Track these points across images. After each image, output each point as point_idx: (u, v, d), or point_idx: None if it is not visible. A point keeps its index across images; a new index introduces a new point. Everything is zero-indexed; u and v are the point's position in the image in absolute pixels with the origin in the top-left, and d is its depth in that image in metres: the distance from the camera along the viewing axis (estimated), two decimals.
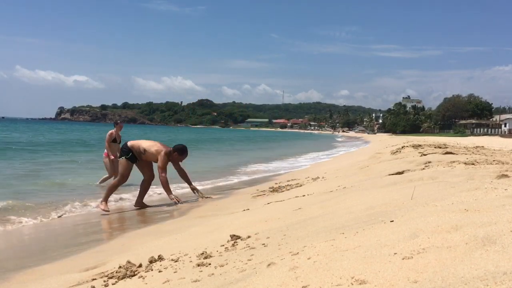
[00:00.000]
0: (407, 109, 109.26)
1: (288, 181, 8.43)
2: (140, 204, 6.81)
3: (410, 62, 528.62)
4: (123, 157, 6.83)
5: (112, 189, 6.79)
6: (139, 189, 6.95)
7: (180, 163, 7.14)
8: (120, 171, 6.92)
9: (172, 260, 2.81)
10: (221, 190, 8.43)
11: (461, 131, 72.90)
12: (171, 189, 6.95)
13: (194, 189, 7.21)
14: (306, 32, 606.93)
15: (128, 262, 2.88)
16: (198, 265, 2.49)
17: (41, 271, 3.46)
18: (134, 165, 6.92)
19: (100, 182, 9.17)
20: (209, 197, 7.12)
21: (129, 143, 6.92)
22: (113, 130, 9.47)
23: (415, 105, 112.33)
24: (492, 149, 12.85)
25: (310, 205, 4.09)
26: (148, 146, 6.89)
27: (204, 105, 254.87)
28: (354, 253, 1.90)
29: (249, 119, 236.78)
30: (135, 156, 6.85)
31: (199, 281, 2.20)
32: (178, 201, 6.72)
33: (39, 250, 4.36)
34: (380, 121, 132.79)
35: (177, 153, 6.98)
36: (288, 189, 6.88)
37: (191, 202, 6.89)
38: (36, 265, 3.70)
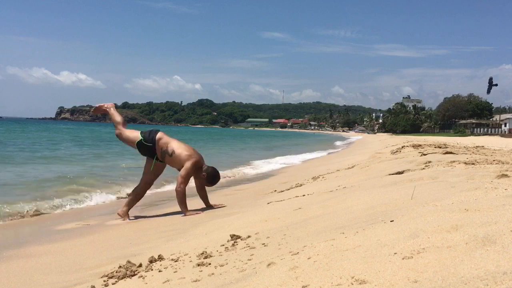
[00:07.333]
0: (408, 108, 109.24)
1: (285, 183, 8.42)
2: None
3: (412, 61, 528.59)
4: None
5: None
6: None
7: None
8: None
9: (172, 260, 2.82)
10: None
11: (461, 131, 72.95)
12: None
13: (210, 206, 5.85)
14: (307, 32, 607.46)
15: (128, 262, 2.88)
16: (198, 265, 2.49)
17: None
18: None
19: None
20: (222, 206, 5.87)
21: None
22: None
23: (415, 104, 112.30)
24: (492, 149, 12.83)
25: (310, 205, 4.09)
26: (177, 148, 5.66)
27: (204, 105, 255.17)
28: (354, 253, 1.90)
29: (249, 119, 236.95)
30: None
31: (199, 280, 2.20)
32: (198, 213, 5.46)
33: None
34: (380, 120, 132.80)
35: (207, 179, 5.76)
36: (288, 189, 6.87)
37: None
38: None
